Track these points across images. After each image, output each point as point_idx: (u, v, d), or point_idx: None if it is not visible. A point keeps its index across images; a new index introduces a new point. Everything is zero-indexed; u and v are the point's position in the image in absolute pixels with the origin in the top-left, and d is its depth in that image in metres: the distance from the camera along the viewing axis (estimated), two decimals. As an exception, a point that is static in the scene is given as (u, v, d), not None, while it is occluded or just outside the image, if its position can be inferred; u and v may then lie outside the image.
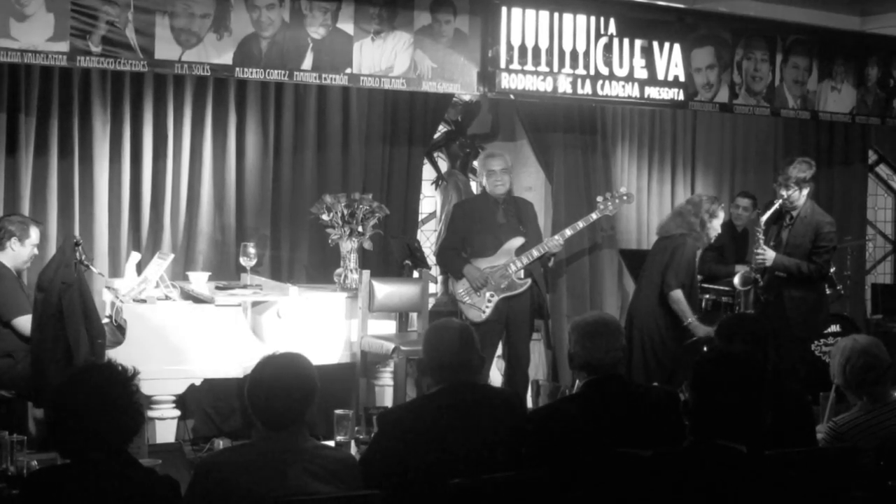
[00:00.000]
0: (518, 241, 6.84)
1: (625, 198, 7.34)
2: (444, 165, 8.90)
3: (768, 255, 6.72)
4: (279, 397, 3.37)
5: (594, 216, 7.24)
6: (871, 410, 4.39)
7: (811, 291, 6.86)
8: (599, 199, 7.32)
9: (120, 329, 6.00)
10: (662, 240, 7.01)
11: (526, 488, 3.61)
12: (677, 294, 6.68)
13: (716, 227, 6.93)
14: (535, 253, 6.84)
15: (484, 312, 6.75)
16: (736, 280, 7.17)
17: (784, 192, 6.71)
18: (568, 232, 7.11)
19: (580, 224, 7.18)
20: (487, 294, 6.76)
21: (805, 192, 6.77)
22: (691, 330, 6.64)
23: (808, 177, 6.73)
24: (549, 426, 4.00)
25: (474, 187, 8.67)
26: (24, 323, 5.83)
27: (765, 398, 3.29)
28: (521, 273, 6.82)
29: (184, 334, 5.94)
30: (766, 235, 6.81)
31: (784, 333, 6.53)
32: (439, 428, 3.76)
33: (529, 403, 7.42)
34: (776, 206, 6.75)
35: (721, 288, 7.72)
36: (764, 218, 6.82)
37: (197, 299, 6.26)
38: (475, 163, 8.74)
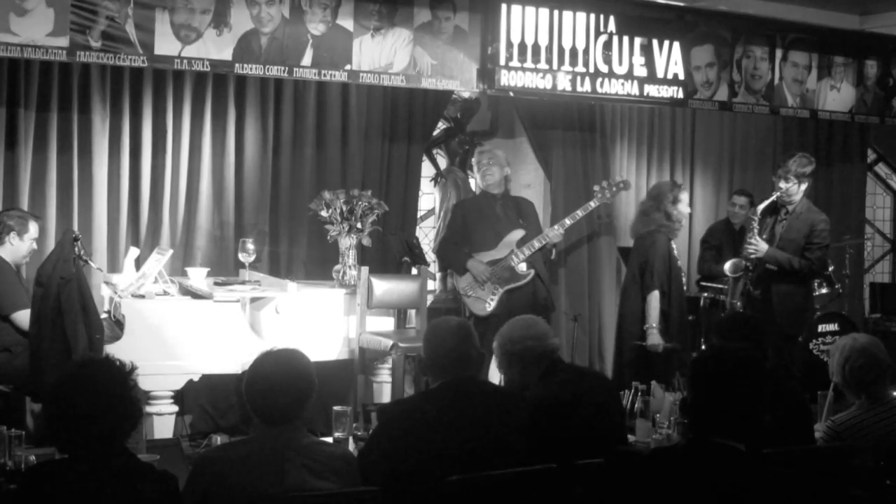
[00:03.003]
0: (518, 234, 6.88)
1: (622, 185, 7.40)
2: (443, 162, 8.90)
3: (760, 246, 6.75)
4: (277, 393, 3.37)
5: (592, 204, 7.29)
6: (869, 409, 4.39)
7: (800, 287, 6.90)
8: (596, 187, 7.37)
9: (118, 324, 6.00)
10: (636, 242, 7.10)
11: (525, 485, 3.61)
12: (654, 296, 6.77)
13: (683, 211, 7.01)
14: (537, 244, 6.89)
15: (489, 305, 6.78)
16: (727, 266, 7.16)
17: (782, 185, 6.74)
18: (567, 221, 7.17)
19: (579, 213, 7.23)
20: (491, 287, 6.78)
21: (803, 187, 6.80)
22: (646, 334, 6.67)
23: (808, 172, 6.76)
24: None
25: (473, 184, 8.68)
26: (23, 317, 5.84)
27: (763, 396, 3.29)
28: (524, 265, 6.85)
29: (182, 330, 5.93)
30: (760, 226, 6.84)
31: (770, 330, 6.55)
32: (439, 423, 3.77)
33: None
34: (773, 197, 6.79)
35: (719, 286, 7.72)
36: (760, 207, 6.86)
37: (195, 295, 6.26)
38: (474, 160, 8.74)
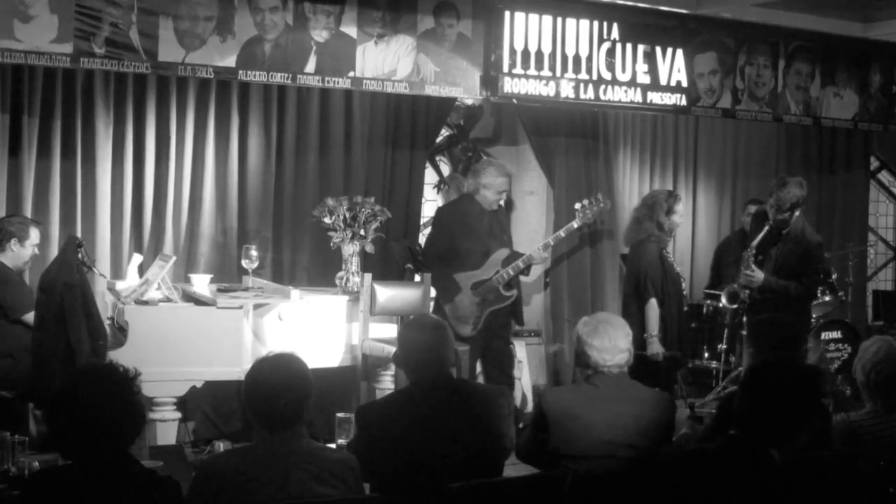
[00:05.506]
0: (504, 253, 6.98)
1: (602, 204, 7.41)
2: (446, 169, 8.90)
3: (757, 276, 6.68)
4: (275, 399, 3.38)
5: (575, 224, 7.33)
6: (883, 416, 4.36)
7: (798, 315, 6.82)
8: (578, 205, 7.40)
9: (121, 330, 6.00)
10: (629, 252, 7.16)
11: (529, 491, 3.62)
12: (651, 304, 6.77)
13: (676, 221, 7.01)
14: (521, 265, 6.98)
15: (473, 329, 6.88)
16: (723, 298, 7.15)
17: (778, 216, 6.66)
18: (551, 242, 7.28)
19: (562, 233, 7.32)
20: (477, 311, 6.86)
21: (797, 213, 6.72)
22: (647, 343, 6.66)
23: (802, 199, 6.69)
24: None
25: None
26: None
27: (815, 411, 3.27)
28: (509, 284, 6.93)
29: (185, 336, 5.93)
30: (755, 256, 6.77)
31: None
32: (418, 422, 3.83)
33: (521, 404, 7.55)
34: (767, 228, 6.69)
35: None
36: (755, 242, 6.76)
37: (199, 301, 6.25)
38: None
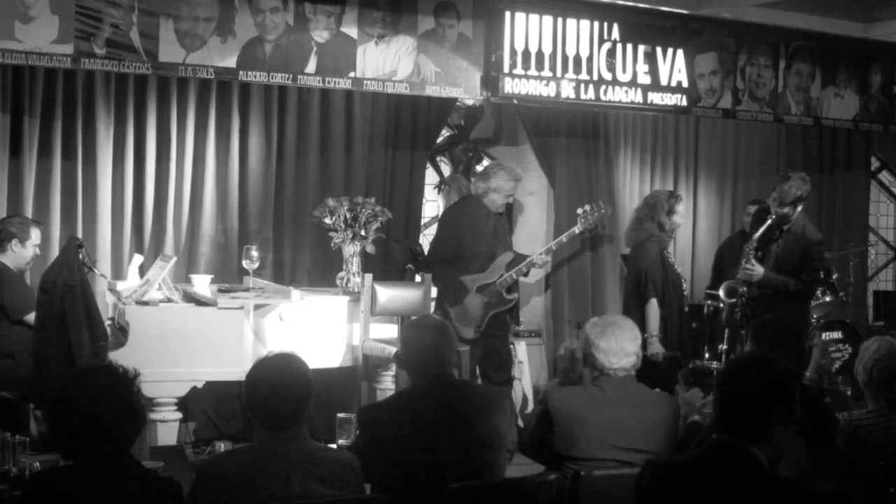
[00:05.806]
0: (509, 256, 7.03)
1: (603, 210, 7.52)
2: (446, 170, 8.90)
3: (756, 270, 6.67)
4: (276, 398, 3.38)
5: (577, 230, 7.42)
6: (886, 415, 4.36)
7: (796, 314, 6.80)
8: (580, 211, 7.46)
9: (122, 331, 6.00)
10: (630, 252, 7.18)
11: (522, 492, 3.62)
12: (652, 304, 6.80)
13: (677, 221, 7.04)
14: (524, 269, 7.03)
15: (477, 331, 6.92)
16: (722, 291, 7.14)
17: (780, 210, 6.65)
18: (553, 246, 7.39)
19: (563, 238, 7.40)
20: (481, 313, 6.89)
21: (799, 208, 6.72)
22: (646, 343, 6.65)
23: (805, 194, 6.68)
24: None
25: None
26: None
27: (796, 408, 3.23)
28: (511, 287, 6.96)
29: (186, 337, 5.93)
30: (755, 251, 6.76)
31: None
32: (419, 421, 3.83)
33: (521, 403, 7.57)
34: (769, 222, 6.69)
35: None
36: (756, 235, 6.75)
37: (199, 302, 6.26)
38: (478, 167, 8.75)
